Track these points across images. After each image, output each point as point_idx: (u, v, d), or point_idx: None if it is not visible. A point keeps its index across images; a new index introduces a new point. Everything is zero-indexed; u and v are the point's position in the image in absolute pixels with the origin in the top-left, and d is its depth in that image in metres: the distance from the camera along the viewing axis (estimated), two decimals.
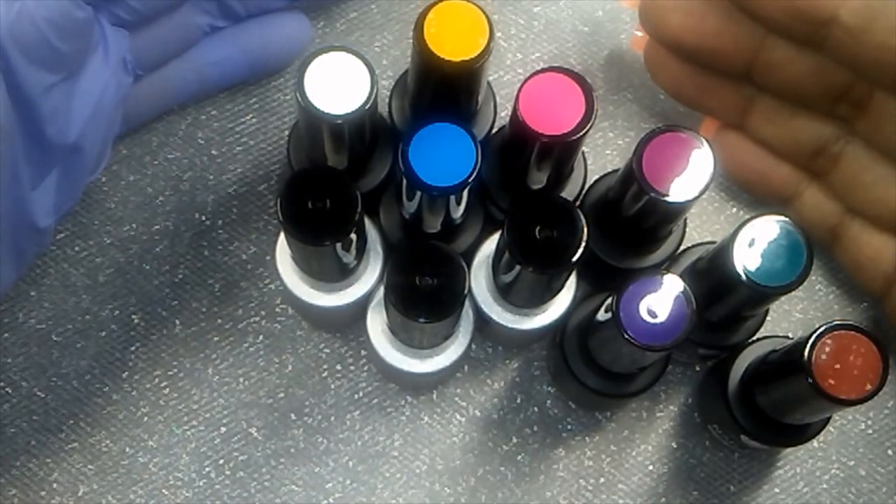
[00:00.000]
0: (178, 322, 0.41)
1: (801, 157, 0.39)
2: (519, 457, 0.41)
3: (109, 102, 0.36)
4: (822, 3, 0.34)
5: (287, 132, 0.41)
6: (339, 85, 0.32)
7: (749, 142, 0.40)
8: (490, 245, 0.38)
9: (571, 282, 0.38)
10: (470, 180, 0.33)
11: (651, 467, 0.41)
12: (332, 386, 0.41)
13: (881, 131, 0.37)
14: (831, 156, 0.39)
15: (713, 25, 0.37)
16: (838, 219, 0.39)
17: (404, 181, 0.34)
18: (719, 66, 0.38)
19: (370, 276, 0.38)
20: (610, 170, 0.40)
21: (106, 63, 0.35)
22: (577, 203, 0.39)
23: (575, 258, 0.33)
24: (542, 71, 0.34)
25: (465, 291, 0.34)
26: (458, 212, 0.36)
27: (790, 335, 0.41)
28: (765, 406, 0.37)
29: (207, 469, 0.40)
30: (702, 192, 0.34)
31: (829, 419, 0.38)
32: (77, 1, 0.32)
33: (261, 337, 0.41)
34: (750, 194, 0.42)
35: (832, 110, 0.38)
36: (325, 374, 0.41)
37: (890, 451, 0.42)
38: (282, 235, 0.37)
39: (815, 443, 0.41)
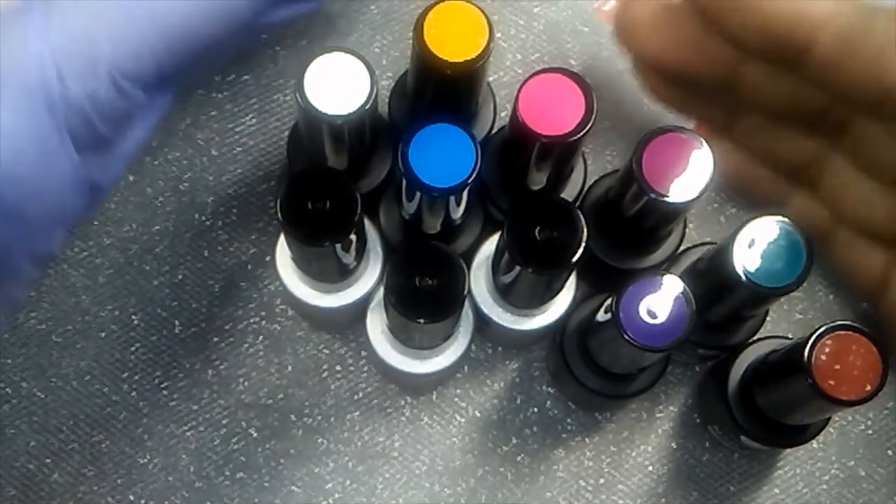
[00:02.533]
0: (177, 323, 0.41)
1: (788, 171, 0.39)
2: (519, 457, 0.41)
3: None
4: (800, 32, 0.33)
5: (287, 133, 0.41)
6: (338, 85, 0.32)
7: (736, 149, 0.40)
8: (490, 246, 0.38)
9: (571, 282, 0.38)
10: (470, 181, 0.33)
11: (651, 468, 0.41)
12: (332, 387, 0.41)
13: (863, 152, 0.36)
14: (817, 171, 0.39)
15: (688, 47, 0.36)
16: (827, 225, 0.39)
17: (404, 182, 0.34)
18: (697, 84, 0.37)
19: (370, 276, 0.38)
20: (610, 170, 0.40)
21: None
22: (577, 204, 0.39)
23: (575, 259, 0.33)
24: (542, 71, 0.34)
25: (465, 292, 0.34)
26: (457, 212, 0.36)
27: (790, 335, 0.41)
28: (765, 407, 0.37)
29: (207, 469, 0.40)
30: (702, 193, 0.34)
31: (828, 420, 0.38)
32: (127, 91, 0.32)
33: (260, 338, 0.41)
34: (741, 199, 0.42)
35: (815, 126, 0.37)
36: (324, 374, 0.41)
37: (890, 452, 0.42)
38: (282, 236, 0.37)
39: (814, 443, 0.41)
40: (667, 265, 0.39)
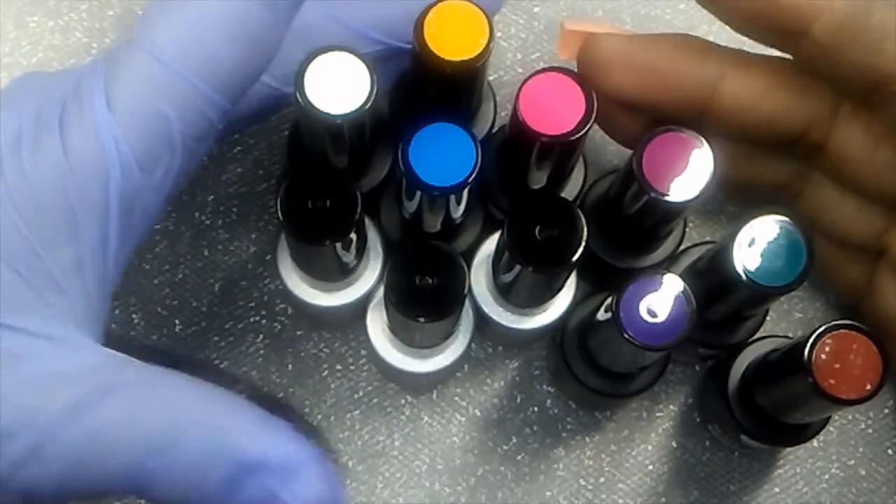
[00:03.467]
0: (178, 321, 0.41)
1: (764, 193, 0.39)
2: (519, 456, 0.41)
3: None
4: (796, 18, 0.33)
5: (287, 132, 0.41)
6: (339, 85, 0.32)
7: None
8: (490, 245, 0.38)
9: (571, 282, 0.38)
10: (470, 180, 0.33)
11: (651, 467, 0.41)
12: (332, 385, 0.41)
13: (841, 170, 0.36)
14: (792, 193, 0.38)
15: (658, 80, 0.36)
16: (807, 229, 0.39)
17: (404, 181, 0.34)
18: (667, 118, 0.36)
19: (370, 275, 0.38)
20: (610, 170, 0.40)
21: None
22: (577, 203, 0.39)
23: (575, 258, 0.34)
24: (543, 71, 0.34)
25: (465, 291, 0.34)
26: (458, 212, 0.36)
27: (790, 335, 0.41)
28: (765, 406, 0.37)
29: None
30: (702, 192, 0.34)
31: (829, 419, 0.38)
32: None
33: (261, 336, 0.41)
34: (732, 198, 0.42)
35: (789, 150, 0.37)
36: (325, 373, 0.41)
37: (890, 451, 0.42)
38: (282, 235, 0.37)
39: (814, 442, 0.41)
40: (667, 264, 0.39)
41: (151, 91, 0.29)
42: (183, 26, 0.29)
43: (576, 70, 0.36)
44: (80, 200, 0.29)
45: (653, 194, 0.34)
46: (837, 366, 0.33)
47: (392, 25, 0.35)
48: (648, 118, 0.37)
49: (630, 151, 0.35)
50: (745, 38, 0.36)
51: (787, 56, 0.36)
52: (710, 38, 0.37)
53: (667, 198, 0.34)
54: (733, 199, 0.41)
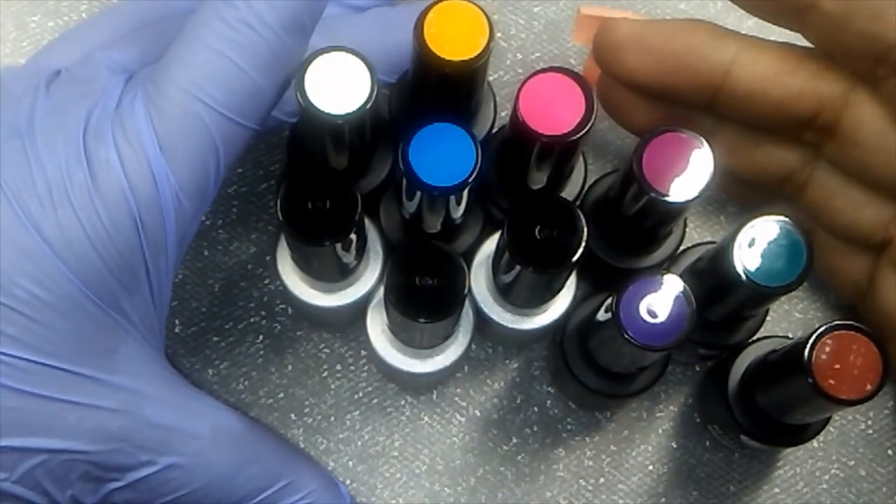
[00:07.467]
0: (177, 322, 0.41)
1: (769, 185, 0.39)
2: (519, 457, 0.41)
3: None
4: None
5: (287, 132, 0.41)
6: (339, 85, 0.32)
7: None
8: (490, 245, 0.38)
9: (571, 282, 0.38)
10: (470, 180, 0.33)
11: (651, 467, 0.41)
12: (332, 386, 0.41)
13: (850, 155, 0.36)
14: (799, 182, 0.38)
15: (673, 63, 0.36)
16: (808, 226, 0.39)
17: (404, 181, 0.34)
18: (679, 101, 0.37)
19: (370, 276, 0.38)
20: (610, 170, 0.40)
21: None
22: (577, 203, 0.39)
23: (575, 258, 0.34)
24: (542, 71, 0.34)
25: (465, 291, 0.34)
26: (458, 212, 0.36)
27: (790, 335, 0.41)
28: (765, 406, 0.37)
29: None
30: (702, 193, 0.34)
31: (829, 419, 0.38)
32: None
33: (261, 337, 0.41)
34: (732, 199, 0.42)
35: (798, 136, 0.37)
36: (325, 374, 0.41)
37: (890, 451, 0.42)
38: (282, 235, 0.37)
39: (815, 443, 0.41)
40: (667, 264, 0.39)
41: (202, 135, 0.30)
42: (222, 65, 0.30)
43: (580, 66, 0.37)
44: (149, 246, 0.31)
45: (653, 194, 0.34)
46: (837, 366, 0.33)
47: (382, 63, 0.36)
48: (661, 104, 0.37)
49: (635, 143, 0.35)
50: (754, 29, 0.36)
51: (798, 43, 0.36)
52: None
53: (667, 198, 0.34)
54: (736, 197, 0.42)
